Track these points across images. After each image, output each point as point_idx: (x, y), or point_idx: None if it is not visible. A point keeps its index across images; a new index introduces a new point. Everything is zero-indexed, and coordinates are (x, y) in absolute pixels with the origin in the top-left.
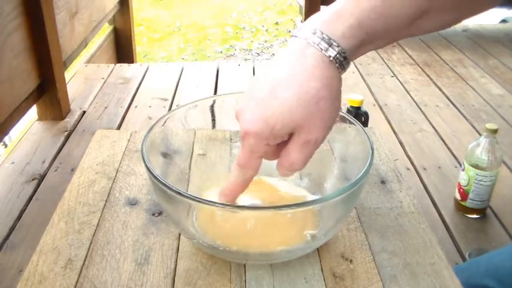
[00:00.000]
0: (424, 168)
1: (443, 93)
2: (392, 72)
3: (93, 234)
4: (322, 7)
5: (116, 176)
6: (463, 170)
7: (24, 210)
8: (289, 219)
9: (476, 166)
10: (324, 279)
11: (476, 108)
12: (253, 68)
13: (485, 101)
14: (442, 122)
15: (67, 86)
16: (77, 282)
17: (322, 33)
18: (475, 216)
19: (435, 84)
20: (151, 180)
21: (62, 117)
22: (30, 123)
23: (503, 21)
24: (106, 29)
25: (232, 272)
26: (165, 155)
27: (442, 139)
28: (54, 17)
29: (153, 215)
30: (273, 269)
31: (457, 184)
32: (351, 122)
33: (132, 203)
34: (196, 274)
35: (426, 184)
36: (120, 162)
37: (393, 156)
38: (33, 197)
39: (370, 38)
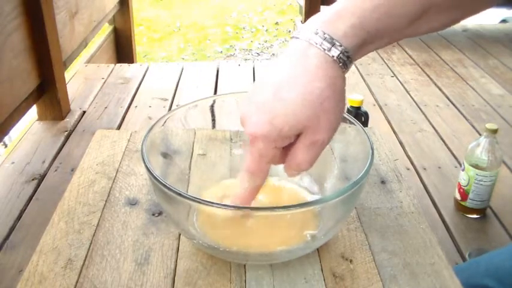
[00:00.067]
0: (424, 168)
1: (443, 93)
2: (392, 72)
3: (93, 234)
4: (322, 7)
5: (116, 176)
6: (463, 170)
7: (24, 210)
8: (289, 219)
9: (476, 166)
10: (324, 279)
11: (476, 108)
12: (253, 68)
13: (485, 101)
14: (442, 122)
15: (67, 86)
16: (77, 282)
17: (324, 33)
18: (475, 216)
19: (435, 84)
20: (151, 180)
21: (62, 117)
22: (30, 123)
23: (503, 21)
24: (106, 29)
25: (232, 272)
26: (165, 155)
27: (442, 139)
28: (54, 17)
29: (153, 215)
30: (273, 269)
31: (457, 184)
32: (351, 122)
33: (132, 203)
34: (196, 274)
35: (426, 184)
36: (120, 162)
37: (393, 156)
38: (33, 197)
39: (372, 37)
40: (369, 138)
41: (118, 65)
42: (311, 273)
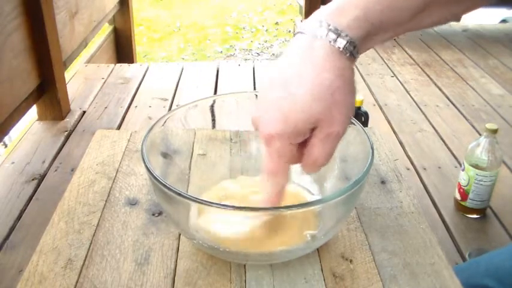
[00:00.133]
0: (424, 168)
1: (443, 93)
2: (392, 72)
3: (93, 234)
4: (322, 7)
5: (116, 176)
6: (463, 170)
7: (24, 210)
8: (289, 219)
9: (476, 166)
10: (324, 279)
11: (476, 108)
12: (253, 68)
13: (485, 101)
14: (442, 122)
15: (67, 86)
16: (77, 282)
17: (329, 25)
18: (475, 216)
19: (435, 84)
20: (151, 180)
21: (62, 117)
22: (30, 123)
23: (503, 21)
24: (106, 29)
25: (232, 272)
26: (165, 155)
27: (442, 139)
28: (54, 17)
29: (153, 215)
30: (273, 269)
31: (457, 184)
32: (351, 122)
33: (132, 203)
34: (196, 274)
35: (426, 184)
36: (120, 162)
37: (393, 156)
38: (33, 197)
39: (376, 29)
40: (369, 138)
41: (118, 65)
42: (311, 273)
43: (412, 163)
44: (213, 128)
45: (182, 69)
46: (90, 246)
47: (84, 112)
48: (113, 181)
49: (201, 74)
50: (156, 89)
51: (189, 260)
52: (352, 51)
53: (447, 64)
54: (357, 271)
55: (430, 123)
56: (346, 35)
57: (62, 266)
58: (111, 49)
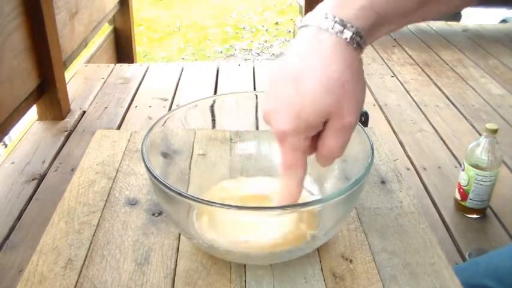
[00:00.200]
0: (424, 168)
1: (443, 93)
2: (392, 72)
3: (93, 234)
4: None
5: (116, 176)
6: (463, 170)
7: (24, 210)
8: (289, 219)
9: (476, 166)
10: (324, 279)
11: (476, 108)
12: (253, 68)
13: (485, 101)
14: (442, 122)
15: (67, 86)
16: (77, 282)
17: (335, 17)
18: (475, 216)
19: (435, 84)
20: (151, 180)
21: (62, 117)
22: (30, 123)
23: (503, 21)
24: (106, 29)
25: (232, 272)
26: (165, 155)
27: (442, 139)
28: (54, 17)
29: (153, 215)
30: (273, 269)
31: (457, 184)
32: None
33: (132, 203)
34: (196, 274)
35: (426, 184)
36: (120, 162)
37: (393, 156)
38: (33, 197)
39: (381, 20)
40: (369, 138)
41: (118, 65)
42: (311, 273)
43: (412, 163)
44: (213, 128)
45: (182, 69)
46: (90, 246)
47: (84, 112)
48: (113, 181)
49: (201, 74)
50: (156, 89)
51: (189, 260)
52: (359, 41)
53: (447, 64)
54: (357, 271)
55: (430, 123)
56: (352, 26)
57: (62, 266)
58: (111, 49)
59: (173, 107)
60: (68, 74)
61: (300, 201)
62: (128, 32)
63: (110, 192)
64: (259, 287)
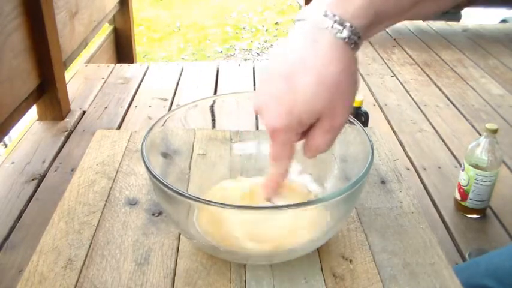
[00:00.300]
0: (424, 168)
1: (443, 93)
2: (392, 72)
3: (93, 234)
4: None
5: (116, 176)
6: (463, 170)
7: (24, 210)
8: (289, 219)
9: (476, 166)
10: (324, 279)
11: (476, 108)
12: (253, 68)
13: (485, 101)
14: (442, 122)
15: (67, 86)
16: (77, 282)
17: (334, 15)
18: (475, 216)
19: (435, 84)
20: (152, 180)
21: (62, 117)
22: (30, 123)
23: (503, 21)
24: (106, 29)
25: (232, 272)
26: (165, 155)
27: (442, 139)
28: (54, 17)
29: (153, 215)
30: (273, 269)
31: (457, 184)
32: (351, 122)
33: (132, 203)
34: (196, 274)
35: (426, 184)
36: (120, 162)
37: (393, 156)
38: (33, 197)
39: (379, 18)
40: (369, 138)
41: (118, 65)
42: (311, 273)
43: (412, 163)
44: (213, 128)
45: (182, 69)
46: (90, 246)
47: (84, 112)
48: (113, 181)
49: (201, 74)
50: (156, 89)
51: (189, 260)
52: (357, 41)
53: (447, 64)
54: (357, 271)
55: (430, 123)
56: (351, 26)
57: (62, 266)
58: (111, 49)
59: (173, 107)
60: (68, 74)
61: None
62: (128, 32)
63: (110, 192)
64: (259, 287)
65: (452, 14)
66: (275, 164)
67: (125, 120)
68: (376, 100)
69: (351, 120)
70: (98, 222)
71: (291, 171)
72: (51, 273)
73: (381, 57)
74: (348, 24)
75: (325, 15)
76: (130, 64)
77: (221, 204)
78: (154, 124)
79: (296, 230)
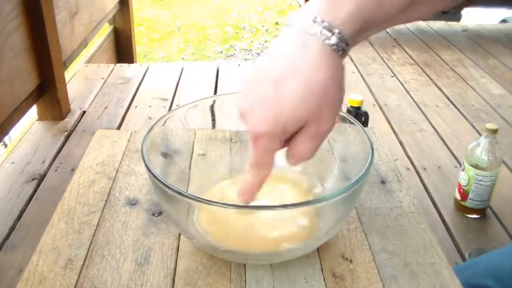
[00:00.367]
0: (424, 168)
1: (443, 93)
2: (392, 72)
3: (93, 234)
4: None
5: (116, 176)
6: (463, 170)
7: (24, 210)
8: (289, 219)
9: (476, 166)
10: (324, 279)
11: (476, 108)
12: None
13: (485, 101)
14: (442, 122)
15: (67, 86)
16: (77, 282)
17: (323, 21)
18: (475, 216)
19: (435, 84)
20: (152, 180)
21: (62, 117)
22: (30, 123)
23: (503, 21)
24: (106, 29)
25: (232, 272)
26: (165, 155)
27: (442, 139)
28: (54, 17)
29: (153, 215)
30: (273, 269)
31: (457, 184)
32: (351, 122)
33: (132, 203)
34: (196, 274)
35: (426, 184)
36: (120, 162)
37: (393, 156)
38: (33, 197)
39: (368, 24)
40: (369, 138)
41: (118, 65)
42: (311, 273)
43: (412, 163)
44: (213, 128)
45: (182, 69)
46: (90, 246)
47: (84, 112)
48: (113, 181)
49: (201, 74)
50: (156, 89)
51: (189, 260)
52: (344, 48)
53: (447, 64)
54: (357, 271)
55: (430, 123)
56: (340, 33)
57: (62, 266)
58: (111, 49)
59: (173, 107)
60: (68, 74)
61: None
62: (128, 32)
63: (110, 192)
64: (259, 287)
65: (452, 14)
66: (254, 173)
67: (124, 120)
68: (376, 100)
69: (351, 120)
70: (98, 222)
71: (291, 170)
72: (51, 273)
73: (381, 57)
74: (336, 31)
75: (314, 21)
76: (130, 64)
77: (221, 204)
78: (154, 124)
79: (296, 229)
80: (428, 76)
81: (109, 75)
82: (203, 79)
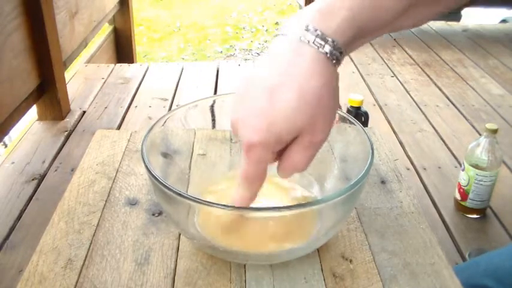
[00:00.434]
0: (424, 168)
1: (443, 93)
2: (392, 72)
3: (93, 234)
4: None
5: (116, 176)
6: (463, 170)
7: (24, 210)
8: (289, 219)
9: (476, 166)
10: (324, 279)
11: (476, 108)
12: None
13: (485, 101)
14: (442, 122)
15: (67, 86)
16: (77, 282)
17: (316, 30)
18: (475, 216)
19: (435, 84)
20: (151, 180)
21: (62, 117)
22: (30, 123)
23: (503, 21)
24: (106, 29)
25: (232, 272)
26: (165, 155)
27: (442, 139)
28: (54, 17)
29: (153, 215)
30: (273, 269)
31: (457, 184)
32: (351, 122)
33: (132, 203)
34: (196, 274)
35: (426, 184)
36: (120, 162)
37: (393, 156)
38: (33, 197)
39: (362, 32)
40: (369, 138)
41: (118, 65)
42: (311, 273)
43: (412, 163)
44: (213, 128)
45: (182, 69)
46: (90, 246)
47: (84, 112)
48: (113, 181)
49: (201, 74)
50: (156, 89)
51: (189, 260)
52: (338, 56)
53: (447, 64)
54: (357, 271)
55: (430, 123)
56: (333, 41)
57: (62, 266)
58: (111, 49)
59: (173, 107)
60: (68, 74)
61: (301, 201)
62: (128, 32)
63: (110, 192)
64: (259, 287)
65: (452, 14)
66: (245, 185)
67: (125, 120)
68: (376, 100)
69: (351, 120)
70: (98, 222)
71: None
72: (51, 273)
73: (381, 57)
74: (330, 39)
75: (307, 30)
76: (130, 64)
77: (221, 205)
78: (154, 124)
79: (296, 230)
80: (428, 76)
81: (109, 75)
82: (203, 79)
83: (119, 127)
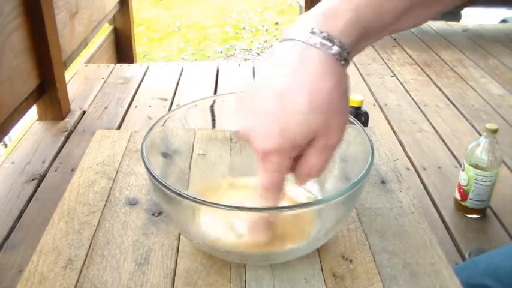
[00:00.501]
0: (424, 168)
1: (443, 93)
2: (392, 72)
3: (93, 234)
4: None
5: (116, 176)
6: (463, 170)
7: (24, 210)
8: (289, 219)
9: (476, 166)
10: (324, 279)
11: (476, 108)
12: (253, 68)
13: (485, 101)
14: (442, 122)
15: (67, 86)
16: (77, 282)
17: (322, 32)
18: (475, 216)
19: (435, 84)
20: (151, 180)
21: (62, 117)
22: (30, 123)
23: (503, 21)
24: (106, 29)
25: (232, 272)
26: (165, 155)
27: (442, 139)
28: (54, 17)
29: (153, 215)
30: (273, 269)
31: (457, 184)
32: (351, 122)
33: (132, 203)
34: (196, 274)
35: (426, 184)
36: (120, 162)
37: (393, 156)
38: (33, 197)
39: (366, 33)
40: (369, 138)
41: (118, 65)
42: (311, 273)
43: (412, 163)
44: (213, 128)
45: (182, 69)
46: (90, 246)
47: (84, 112)
48: (113, 181)
49: (201, 74)
50: (156, 89)
51: (189, 260)
52: (346, 57)
53: (447, 64)
54: (357, 271)
55: (430, 123)
56: (340, 42)
57: (62, 266)
58: (111, 49)
59: (173, 107)
60: (68, 74)
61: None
62: (128, 32)
63: (110, 192)
64: (259, 287)
65: (452, 14)
66: (267, 196)
67: (124, 120)
68: (376, 100)
69: (351, 120)
70: (98, 222)
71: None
72: (51, 273)
73: (381, 57)
74: (336, 40)
75: (313, 33)
76: (130, 64)
77: (221, 205)
78: (154, 124)
79: (296, 230)
80: (428, 76)
81: (109, 75)
82: (203, 79)
83: (119, 127)
